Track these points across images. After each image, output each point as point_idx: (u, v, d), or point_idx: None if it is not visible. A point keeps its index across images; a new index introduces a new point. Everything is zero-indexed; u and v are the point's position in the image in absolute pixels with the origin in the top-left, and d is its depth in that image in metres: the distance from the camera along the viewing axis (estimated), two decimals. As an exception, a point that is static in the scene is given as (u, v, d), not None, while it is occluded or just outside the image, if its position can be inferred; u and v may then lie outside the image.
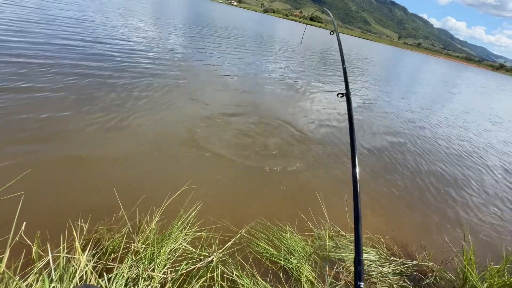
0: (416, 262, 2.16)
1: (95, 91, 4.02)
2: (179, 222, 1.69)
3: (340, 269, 2.03)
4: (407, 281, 2.04)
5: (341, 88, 8.90)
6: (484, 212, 3.47)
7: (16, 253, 1.44)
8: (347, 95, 0.64)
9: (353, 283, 1.92)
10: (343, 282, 1.92)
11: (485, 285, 1.76)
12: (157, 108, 4.01)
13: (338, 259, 2.10)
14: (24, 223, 1.50)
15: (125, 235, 1.52)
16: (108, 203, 2.06)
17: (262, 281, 1.73)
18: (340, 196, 2.94)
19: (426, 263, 2.16)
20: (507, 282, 1.77)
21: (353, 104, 7.23)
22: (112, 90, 4.20)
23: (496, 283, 1.78)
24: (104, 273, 1.35)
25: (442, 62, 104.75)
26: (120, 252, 1.45)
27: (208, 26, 17.87)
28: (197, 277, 1.50)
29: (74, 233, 1.38)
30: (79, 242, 1.76)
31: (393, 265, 2.13)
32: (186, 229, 1.76)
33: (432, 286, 1.98)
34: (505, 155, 6.22)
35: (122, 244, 1.47)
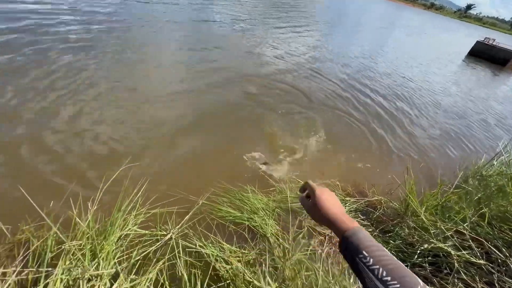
0: (367, 199, 2.37)
1: None
2: (125, 205, 1.47)
3: (302, 217, 2.11)
4: (361, 216, 2.24)
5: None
6: (424, 145, 3.93)
7: None
8: None
9: (315, 228, 2.03)
10: (305, 228, 2.01)
11: (424, 208, 2.01)
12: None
13: (300, 207, 2.17)
14: None
15: (56, 234, 1.27)
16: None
17: (227, 245, 1.70)
18: (298, 143, 2.96)
19: (376, 198, 2.38)
20: (440, 203, 2.05)
21: (310, 47, 7.12)
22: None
23: (431, 204, 2.04)
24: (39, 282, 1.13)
25: (384, 2, 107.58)
26: (53, 254, 1.22)
27: None
28: (155, 260, 1.37)
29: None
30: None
31: (348, 204, 2.30)
32: (136, 210, 1.56)
33: (381, 216, 2.21)
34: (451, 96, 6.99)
35: (50, 247, 1.23)
